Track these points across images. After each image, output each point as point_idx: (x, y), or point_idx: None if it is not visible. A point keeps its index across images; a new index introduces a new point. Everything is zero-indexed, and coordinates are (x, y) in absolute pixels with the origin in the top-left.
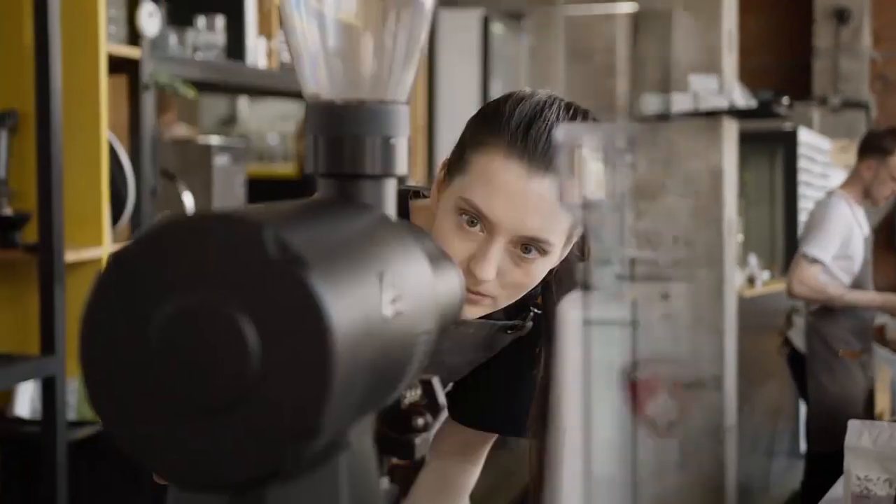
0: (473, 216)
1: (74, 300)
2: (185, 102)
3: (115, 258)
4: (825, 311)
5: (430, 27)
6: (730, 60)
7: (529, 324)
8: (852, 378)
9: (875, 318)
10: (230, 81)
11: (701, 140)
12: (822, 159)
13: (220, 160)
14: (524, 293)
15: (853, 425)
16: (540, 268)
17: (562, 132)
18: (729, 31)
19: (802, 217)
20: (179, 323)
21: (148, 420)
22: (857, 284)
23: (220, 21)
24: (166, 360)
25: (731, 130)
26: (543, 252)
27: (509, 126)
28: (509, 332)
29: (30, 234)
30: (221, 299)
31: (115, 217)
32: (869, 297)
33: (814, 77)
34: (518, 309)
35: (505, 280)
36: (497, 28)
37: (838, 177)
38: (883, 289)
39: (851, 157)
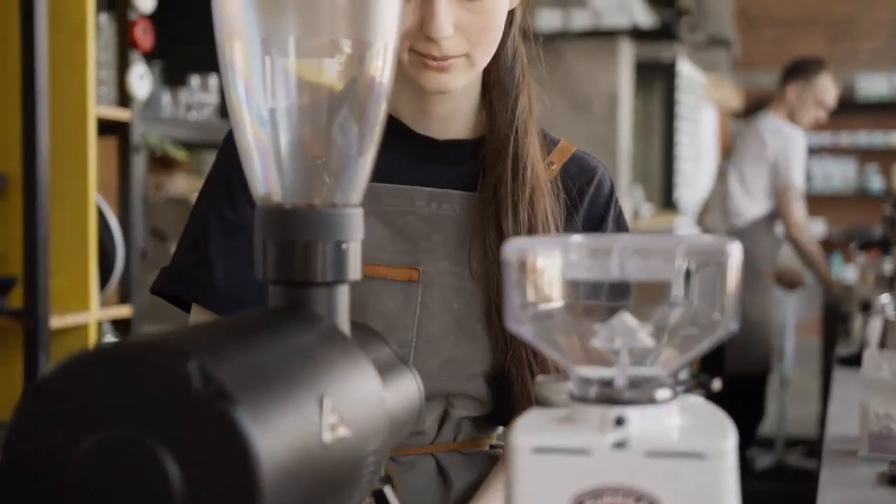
0: None
1: None
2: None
3: (36, 387)
4: (749, 228)
5: None
6: None
7: None
8: (774, 300)
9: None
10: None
11: (597, 61)
12: (698, 93)
13: None
14: (497, 39)
15: (870, 355)
16: (497, 3)
17: (511, 247)
18: None
19: (679, 151)
20: (100, 459)
21: None
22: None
23: (213, 80)
24: (86, 498)
25: (628, 53)
26: None
27: None
28: None
29: (15, 298)
30: (144, 434)
31: (104, 280)
32: (827, 272)
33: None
34: None
35: (467, 31)
36: None
37: (709, 112)
38: None
39: (723, 92)
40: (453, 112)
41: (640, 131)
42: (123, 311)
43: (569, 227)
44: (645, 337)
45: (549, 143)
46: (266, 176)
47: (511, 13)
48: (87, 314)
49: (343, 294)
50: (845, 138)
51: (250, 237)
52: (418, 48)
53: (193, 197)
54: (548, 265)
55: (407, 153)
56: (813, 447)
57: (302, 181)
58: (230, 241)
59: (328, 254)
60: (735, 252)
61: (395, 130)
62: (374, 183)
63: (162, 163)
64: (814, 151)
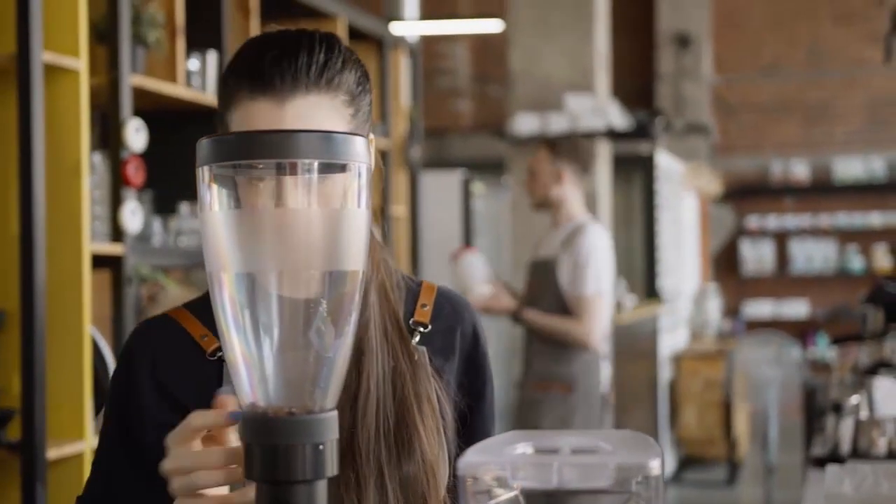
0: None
1: (56, 498)
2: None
3: None
4: None
5: (414, 188)
6: (602, 80)
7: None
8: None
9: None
10: None
11: None
12: (677, 181)
13: None
14: None
15: (832, 471)
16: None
17: (465, 464)
18: (601, 51)
19: (660, 240)
20: None
21: None
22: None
23: None
24: None
25: (605, 152)
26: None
27: (244, 68)
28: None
29: (13, 430)
30: None
31: (98, 409)
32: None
33: (657, 101)
34: None
35: None
36: (478, 187)
37: (690, 198)
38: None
39: (702, 179)
40: None
41: (622, 223)
42: None
43: (447, 368)
44: None
45: (412, 287)
46: (251, 387)
47: None
48: (82, 443)
49: (322, 488)
50: (825, 220)
51: (150, 459)
52: None
53: None
54: (498, 477)
55: None
56: None
57: (283, 391)
58: (134, 471)
59: (307, 455)
60: (656, 466)
61: None
62: None
63: None
64: (795, 233)
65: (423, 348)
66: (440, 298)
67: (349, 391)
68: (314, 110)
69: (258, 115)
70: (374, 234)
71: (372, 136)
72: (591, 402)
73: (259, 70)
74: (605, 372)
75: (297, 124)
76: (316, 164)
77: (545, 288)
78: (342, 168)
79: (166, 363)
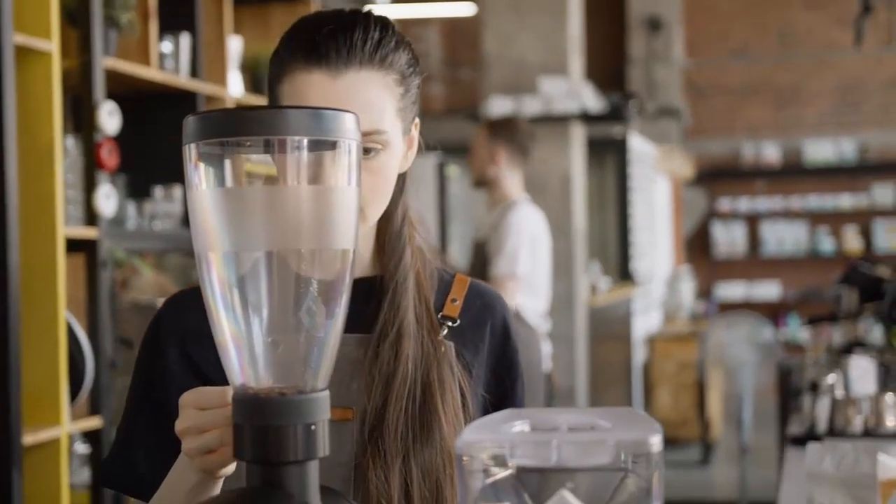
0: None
1: (32, 484)
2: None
3: None
4: None
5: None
6: (576, 62)
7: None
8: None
9: None
10: (188, 249)
11: (549, 145)
12: (650, 164)
13: None
14: (387, 197)
15: (813, 448)
16: (389, 162)
17: (462, 442)
18: (574, 33)
19: (633, 222)
20: None
21: None
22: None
23: (178, 191)
24: None
25: (579, 135)
26: (384, 144)
27: (300, 41)
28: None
29: None
30: None
31: (74, 393)
32: None
33: (629, 84)
34: None
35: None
36: (452, 171)
37: (662, 181)
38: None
39: (674, 162)
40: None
41: (595, 205)
42: (94, 423)
43: (476, 362)
44: None
45: (445, 278)
46: (242, 368)
47: (402, 178)
48: (59, 429)
49: (313, 469)
50: (796, 202)
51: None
52: None
53: (159, 300)
54: (495, 455)
55: None
56: None
57: (273, 372)
58: (156, 434)
59: (299, 435)
60: (656, 443)
61: None
62: None
63: None
64: (766, 215)
65: (451, 343)
66: (471, 293)
67: (384, 372)
68: (366, 85)
69: (312, 86)
70: (412, 221)
71: (417, 119)
72: (532, 384)
73: (315, 43)
74: (546, 351)
75: (349, 98)
76: (305, 141)
77: (478, 268)
78: (332, 145)
79: (194, 336)
